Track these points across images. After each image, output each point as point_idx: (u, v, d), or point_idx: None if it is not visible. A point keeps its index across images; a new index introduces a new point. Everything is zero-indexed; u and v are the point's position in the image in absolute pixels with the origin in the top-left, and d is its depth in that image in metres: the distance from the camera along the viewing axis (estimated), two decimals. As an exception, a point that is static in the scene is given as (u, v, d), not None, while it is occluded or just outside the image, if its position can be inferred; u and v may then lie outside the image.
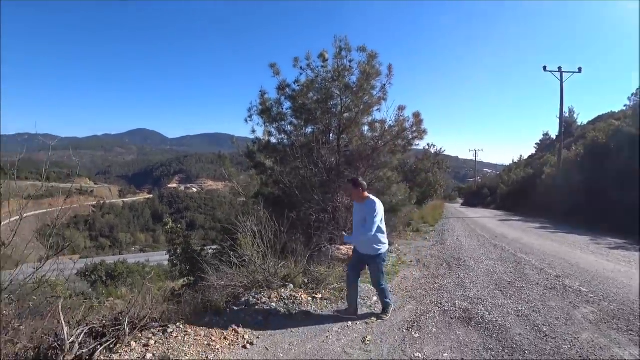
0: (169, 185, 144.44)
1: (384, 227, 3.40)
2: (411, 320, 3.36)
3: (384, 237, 3.39)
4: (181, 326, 3.01)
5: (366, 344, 2.86)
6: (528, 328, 3.07)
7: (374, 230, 3.21)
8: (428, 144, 19.50)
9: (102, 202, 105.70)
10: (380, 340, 2.95)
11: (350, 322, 3.30)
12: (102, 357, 2.42)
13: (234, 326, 3.07)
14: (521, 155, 34.20)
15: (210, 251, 10.46)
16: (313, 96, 8.31)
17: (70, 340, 2.35)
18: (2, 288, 2.87)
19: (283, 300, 3.71)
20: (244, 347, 2.78)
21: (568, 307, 3.54)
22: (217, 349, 2.68)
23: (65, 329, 2.39)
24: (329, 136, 8.50)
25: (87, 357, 2.37)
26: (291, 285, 4.10)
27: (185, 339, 2.80)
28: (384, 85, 8.02)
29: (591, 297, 3.84)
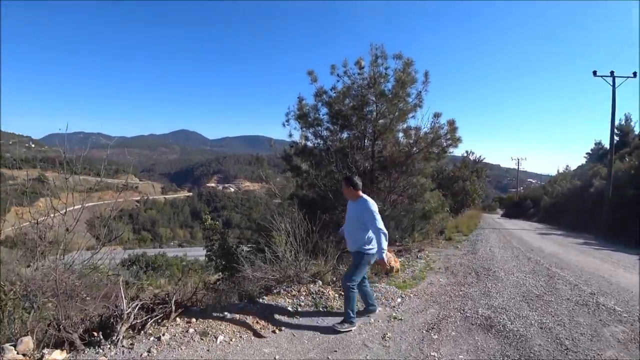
0: (208, 185, 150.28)
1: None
2: (432, 323, 3.47)
3: (371, 238, 3.40)
4: (219, 309, 3.39)
5: (385, 340, 3.05)
6: (549, 340, 3.08)
7: (382, 226, 3.29)
8: (467, 151, 18.95)
9: (145, 197, 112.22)
10: (399, 337, 3.12)
11: (372, 319, 3.50)
12: (152, 328, 2.83)
13: (265, 313, 3.39)
14: (567, 166, 32.20)
15: (245, 249, 10.97)
16: (349, 103, 8.59)
17: (128, 312, 2.78)
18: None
19: (311, 294, 3.98)
20: (273, 331, 3.08)
21: (597, 325, 3.48)
22: (250, 329, 3.02)
23: (124, 302, 2.82)
24: (364, 142, 8.71)
25: (140, 327, 2.78)
26: (320, 282, 4.37)
27: (222, 320, 3.16)
28: (420, 92, 8.14)
29: (625, 316, 3.74)
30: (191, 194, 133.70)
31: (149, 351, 2.55)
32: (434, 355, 2.80)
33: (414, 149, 7.99)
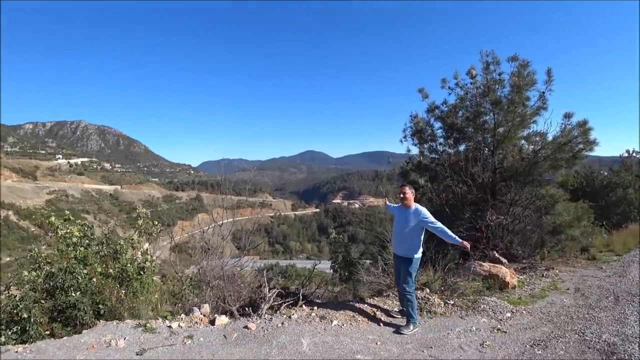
0: (334, 201, 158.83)
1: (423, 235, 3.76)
2: (539, 340, 3.46)
3: (419, 244, 3.72)
4: (335, 303, 4.20)
5: (483, 347, 3.28)
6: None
7: (448, 232, 3.64)
8: (627, 151, 15.46)
9: (278, 213, 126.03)
10: (498, 347, 3.29)
11: (474, 327, 3.73)
12: (284, 309, 3.82)
13: (374, 310, 4.03)
14: None
15: (367, 262, 11.72)
16: (462, 114, 8.58)
17: (269, 296, 3.84)
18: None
19: (417, 299, 4.41)
20: (378, 324, 3.71)
21: None
22: (359, 320, 3.71)
23: (267, 289, 3.90)
24: (482, 153, 8.49)
25: (277, 308, 3.81)
26: (427, 290, 4.75)
27: (337, 310, 3.95)
28: (543, 92, 7.58)
29: None
30: (318, 210, 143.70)
31: (282, 324, 3.54)
32: None
33: (539, 156, 7.43)
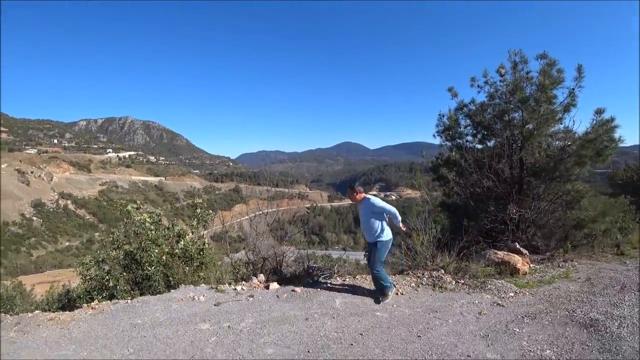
0: (370, 193, 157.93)
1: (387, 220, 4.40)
2: (531, 313, 4.08)
3: (383, 228, 4.39)
4: (365, 276, 5.18)
5: (480, 315, 4.07)
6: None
7: (392, 211, 4.39)
8: None
9: (314, 205, 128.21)
10: (493, 315, 4.06)
11: (477, 301, 4.51)
12: (322, 279, 4.87)
13: (395, 283, 4.97)
14: None
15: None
16: (490, 112, 9.06)
17: (309, 268, 4.88)
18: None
19: (432, 277, 5.26)
20: (396, 294, 4.63)
21: None
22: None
23: (307, 263, 4.95)
24: (509, 149, 8.93)
25: (316, 278, 4.84)
26: (442, 271, 5.56)
27: (364, 281, 4.93)
28: (572, 89, 7.91)
29: None
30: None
31: (320, 289, 4.57)
32: (516, 330, 3.65)
33: (564, 153, 7.83)
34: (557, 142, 8.35)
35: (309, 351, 3.22)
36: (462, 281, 5.22)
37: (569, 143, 7.97)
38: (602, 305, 4.39)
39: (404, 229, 4.58)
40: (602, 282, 5.68)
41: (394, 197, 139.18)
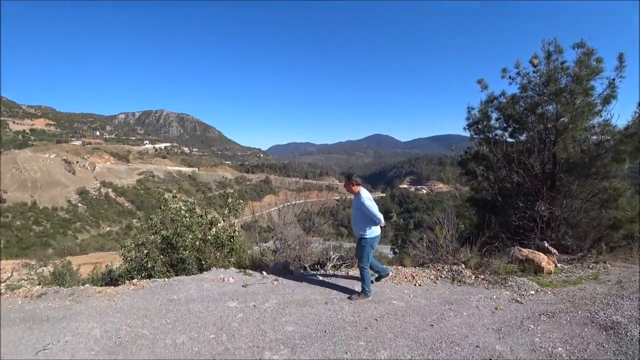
0: (400, 186, 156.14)
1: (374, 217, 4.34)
2: (550, 312, 4.04)
3: (369, 225, 4.37)
4: (385, 266, 5.40)
5: (496, 310, 4.14)
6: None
7: (376, 213, 4.31)
8: None
9: (344, 197, 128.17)
10: (510, 311, 4.09)
11: (495, 296, 4.59)
12: (343, 268, 5.14)
13: (414, 275, 5.14)
14: None
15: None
16: (521, 105, 8.82)
17: (333, 257, 5.16)
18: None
19: (452, 271, 5.38)
20: (414, 285, 4.82)
21: None
22: (399, 280, 4.88)
23: (331, 252, 5.23)
24: (542, 144, 8.68)
25: (338, 266, 5.12)
26: (463, 265, 5.65)
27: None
28: (613, 80, 7.56)
29: None
30: (384, 194, 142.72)
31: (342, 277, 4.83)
32: (531, 327, 3.63)
33: (601, 148, 7.56)
34: (593, 137, 8.06)
35: (325, 331, 3.50)
36: (482, 276, 5.29)
37: (607, 138, 7.67)
38: (628, 309, 4.16)
39: (382, 224, 4.53)
40: (633, 286, 5.46)
41: (424, 191, 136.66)
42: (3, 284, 8.00)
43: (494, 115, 9.42)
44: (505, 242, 7.26)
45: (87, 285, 6.08)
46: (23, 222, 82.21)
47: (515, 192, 8.56)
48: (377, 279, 4.94)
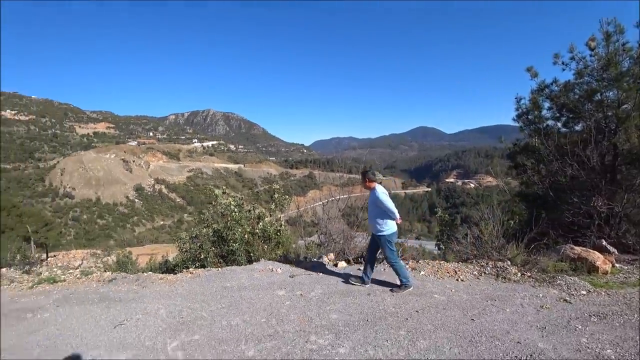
0: (447, 180, 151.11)
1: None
2: (602, 313, 3.86)
3: (386, 222, 4.40)
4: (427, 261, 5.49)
5: (542, 308, 4.03)
6: None
7: (391, 207, 4.34)
8: None
9: (387, 192, 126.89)
10: (556, 310, 3.96)
11: (541, 295, 4.45)
12: (386, 263, 5.28)
13: (456, 270, 5.18)
14: None
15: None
16: (576, 93, 8.31)
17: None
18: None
19: (496, 268, 5.33)
20: (457, 280, 4.86)
21: None
22: (442, 274, 4.97)
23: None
24: (599, 134, 8.14)
25: (381, 260, 5.29)
26: (508, 262, 5.56)
27: (427, 265, 5.24)
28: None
29: None
30: (430, 189, 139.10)
31: (384, 269, 5.15)
32: (578, 327, 3.51)
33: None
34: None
35: (367, 320, 3.71)
36: (529, 274, 5.18)
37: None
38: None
39: (399, 221, 4.57)
40: None
41: (472, 185, 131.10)
42: (77, 270, 9.02)
43: (546, 105, 9.01)
44: (555, 239, 6.96)
45: (149, 272, 6.79)
46: (89, 216, 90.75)
47: (569, 187, 8.15)
48: (359, 280, 4.79)
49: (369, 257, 4.72)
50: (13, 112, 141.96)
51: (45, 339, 3.70)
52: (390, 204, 4.38)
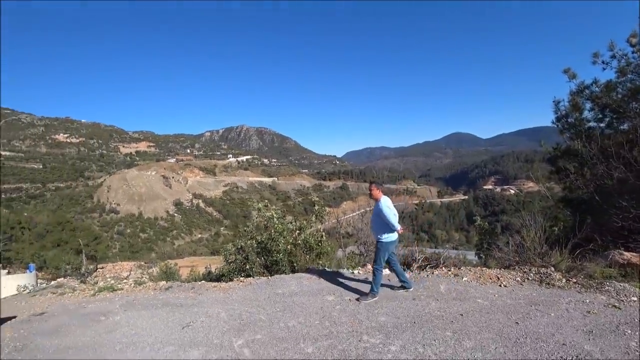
0: (484, 187, 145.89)
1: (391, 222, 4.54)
2: (626, 322, 3.79)
3: (386, 231, 4.62)
4: (469, 268, 5.63)
5: (588, 313, 4.02)
6: None
7: (391, 221, 4.52)
8: None
9: (423, 201, 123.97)
10: (603, 315, 3.93)
11: (588, 300, 4.39)
12: (428, 269, 5.52)
13: (498, 276, 5.29)
14: None
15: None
16: (620, 92, 8.11)
17: (418, 258, 5.57)
18: None
19: (539, 274, 5.37)
20: (499, 285, 4.98)
21: None
22: (484, 280, 5.10)
23: (417, 254, 5.64)
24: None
25: (423, 267, 5.52)
26: (552, 268, 5.57)
27: (469, 272, 5.39)
28: None
29: None
30: (466, 197, 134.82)
31: (427, 276, 5.32)
32: (627, 332, 3.46)
33: None
34: None
35: (414, 322, 3.96)
36: (574, 280, 5.16)
37: None
38: None
39: (401, 231, 4.81)
40: None
41: (512, 191, 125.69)
42: (130, 280, 9.76)
43: (587, 106, 8.83)
44: (603, 244, 6.83)
45: (203, 281, 7.35)
46: (132, 230, 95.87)
47: (617, 190, 7.92)
48: (401, 287, 5.02)
49: (394, 266, 4.95)
50: (65, 135, 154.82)
51: (123, 337, 4.26)
52: (392, 218, 4.57)
